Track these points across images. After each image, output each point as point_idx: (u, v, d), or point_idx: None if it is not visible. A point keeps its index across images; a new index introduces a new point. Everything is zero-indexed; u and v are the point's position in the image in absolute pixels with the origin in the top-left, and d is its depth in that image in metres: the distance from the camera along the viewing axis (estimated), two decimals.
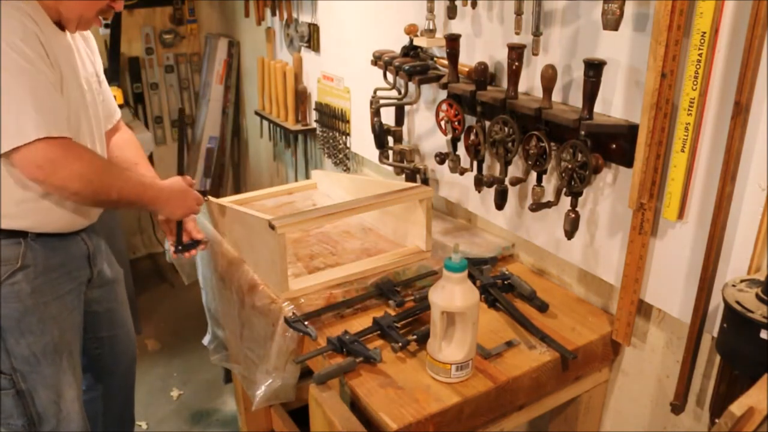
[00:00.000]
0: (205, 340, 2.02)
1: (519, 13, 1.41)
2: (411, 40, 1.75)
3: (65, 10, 1.45)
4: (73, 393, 1.65)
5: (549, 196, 1.48)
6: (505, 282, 1.52)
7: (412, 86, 1.74)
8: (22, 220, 1.48)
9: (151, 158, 2.54)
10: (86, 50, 1.63)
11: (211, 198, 1.89)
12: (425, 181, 1.89)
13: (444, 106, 1.67)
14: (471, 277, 1.37)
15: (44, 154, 1.34)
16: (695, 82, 1.11)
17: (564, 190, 1.38)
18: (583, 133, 1.28)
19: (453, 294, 1.18)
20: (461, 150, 1.67)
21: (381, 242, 1.76)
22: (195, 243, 1.73)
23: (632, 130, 1.24)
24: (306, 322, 1.39)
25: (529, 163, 1.44)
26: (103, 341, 1.83)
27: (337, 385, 1.26)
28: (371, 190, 1.69)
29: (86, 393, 1.83)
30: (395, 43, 1.85)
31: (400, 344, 1.30)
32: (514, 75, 1.42)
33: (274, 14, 2.70)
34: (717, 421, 0.88)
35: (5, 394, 1.55)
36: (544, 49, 1.42)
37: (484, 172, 1.64)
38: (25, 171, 1.37)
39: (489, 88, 1.53)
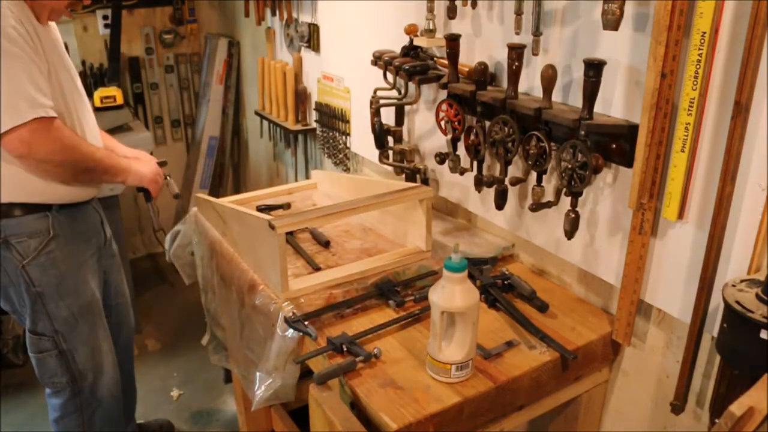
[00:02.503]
0: (204, 340, 2.02)
1: (519, 13, 1.41)
2: (411, 40, 1.75)
3: (39, 2, 1.58)
4: (107, 346, 1.85)
5: (549, 196, 1.48)
6: (505, 282, 1.52)
7: (412, 86, 1.74)
8: (49, 195, 1.64)
9: None
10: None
11: (210, 198, 1.89)
12: (425, 181, 1.88)
13: (444, 106, 1.67)
14: (471, 277, 1.37)
15: (30, 132, 1.47)
16: (695, 82, 1.11)
17: (564, 190, 1.38)
18: (583, 133, 1.28)
19: (453, 294, 1.18)
20: (461, 150, 1.67)
21: (381, 242, 1.76)
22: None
23: (632, 130, 1.24)
24: (306, 322, 1.39)
25: (529, 163, 1.44)
26: (111, 309, 1.98)
27: (337, 385, 1.26)
28: (371, 190, 1.69)
29: None
30: (395, 43, 1.85)
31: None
32: (514, 75, 1.41)
33: (274, 14, 2.70)
34: (717, 421, 0.88)
35: (49, 355, 1.73)
36: (544, 49, 1.42)
37: (484, 172, 1.64)
38: (9, 148, 1.50)
39: (489, 88, 1.53)
